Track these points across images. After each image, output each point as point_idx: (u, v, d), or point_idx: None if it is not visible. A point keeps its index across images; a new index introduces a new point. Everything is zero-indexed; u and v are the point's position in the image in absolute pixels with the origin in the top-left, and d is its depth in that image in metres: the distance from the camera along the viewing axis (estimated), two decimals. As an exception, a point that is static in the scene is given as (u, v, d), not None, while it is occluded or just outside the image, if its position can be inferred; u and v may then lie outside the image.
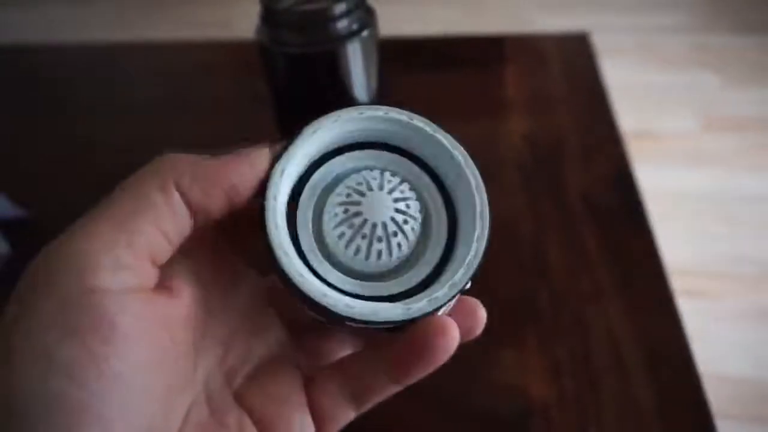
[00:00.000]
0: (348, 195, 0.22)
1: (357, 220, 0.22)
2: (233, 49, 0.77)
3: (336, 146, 0.24)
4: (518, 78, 0.66)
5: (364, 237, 0.22)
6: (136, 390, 0.17)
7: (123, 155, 0.61)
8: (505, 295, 0.45)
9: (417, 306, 0.21)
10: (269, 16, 0.41)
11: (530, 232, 0.49)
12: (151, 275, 0.19)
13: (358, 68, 0.42)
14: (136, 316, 0.18)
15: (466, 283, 0.22)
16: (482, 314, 0.22)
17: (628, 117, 1.06)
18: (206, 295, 0.22)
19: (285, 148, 0.22)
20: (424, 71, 0.69)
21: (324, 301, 0.20)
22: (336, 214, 0.22)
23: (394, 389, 0.22)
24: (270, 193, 0.21)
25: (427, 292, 0.21)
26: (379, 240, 0.22)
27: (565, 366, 0.40)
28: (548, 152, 0.57)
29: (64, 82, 0.73)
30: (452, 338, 0.20)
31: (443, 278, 0.22)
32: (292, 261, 0.21)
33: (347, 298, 0.21)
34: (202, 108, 0.66)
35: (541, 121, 0.60)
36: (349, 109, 0.23)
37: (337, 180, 0.23)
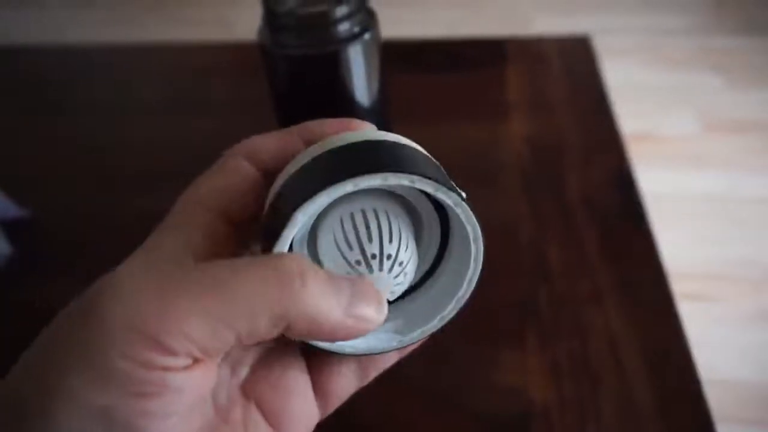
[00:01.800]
0: (350, 245, 0.21)
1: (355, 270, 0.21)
2: (235, 50, 0.77)
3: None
4: (519, 80, 0.66)
5: None
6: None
7: (123, 156, 0.62)
8: (505, 296, 0.45)
9: (411, 336, 0.22)
10: (271, 19, 0.41)
11: (531, 234, 0.49)
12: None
13: (359, 71, 0.42)
14: (197, 386, 0.18)
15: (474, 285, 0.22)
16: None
17: (629, 119, 1.06)
18: None
19: (278, 236, 0.20)
20: (425, 74, 0.69)
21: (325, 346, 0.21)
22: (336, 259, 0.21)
23: (398, 354, 0.23)
24: None
25: (419, 321, 0.23)
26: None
27: (565, 368, 0.40)
28: (549, 154, 0.57)
29: (65, 83, 0.73)
30: None
31: (433, 310, 0.23)
32: None
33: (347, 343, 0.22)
34: (203, 109, 0.67)
35: (542, 123, 0.60)
36: (343, 183, 0.20)
37: (329, 207, 0.22)
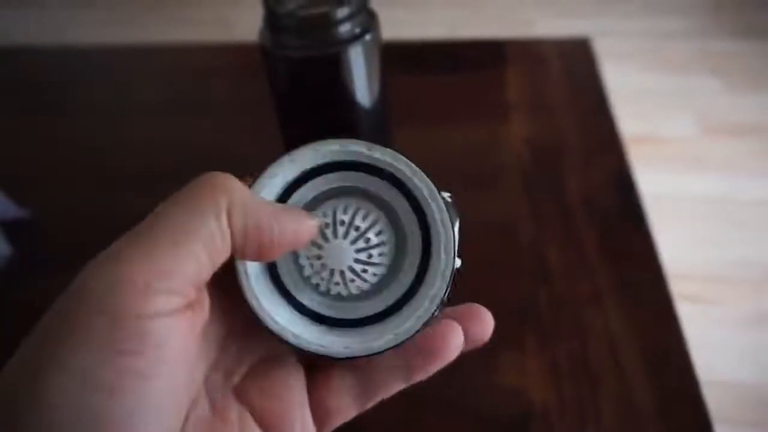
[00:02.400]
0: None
1: (317, 263, 0.23)
2: (235, 51, 0.77)
3: (314, 166, 0.23)
4: (519, 82, 0.66)
5: (323, 279, 0.23)
6: (168, 405, 0.18)
7: (123, 157, 0.62)
8: (505, 297, 0.45)
9: (405, 327, 0.22)
10: (272, 20, 0.41)
11: (530, 235, 0.49)
12: (192, 296, 0.19)
13: (360, 72, 0.42)
14: (179, 340, 0.18)
15: (446, 293, 0.22)
16: (489, 319, 0.23)
17: (629, 121, 1.06)
18: (212, 299, 0.22)
19: (262, 172, 0.22)
20: (425, 75, 0.69)
21: (318, 350, 0.22)
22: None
23: (400, 387, 0.23)
24: None
25: (409, 310, 0.23)
26: (336, 284, 0.23)
27: (565, 369, 0.40)
28: (549, 156, 0.57)
29: (65, 83, 0.74)
30: (460, 334, 0.22)
31: (422, 291, 0.23)
32: (262, 306, 0.22)
33: (338, 343, 0.22)
34: (203, 110, 0.67)
35: (542, 125, 0.60)
36: (329, 141, 0.23)
37: (315, 202, 0.23)
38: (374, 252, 0.23)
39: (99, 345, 0.16)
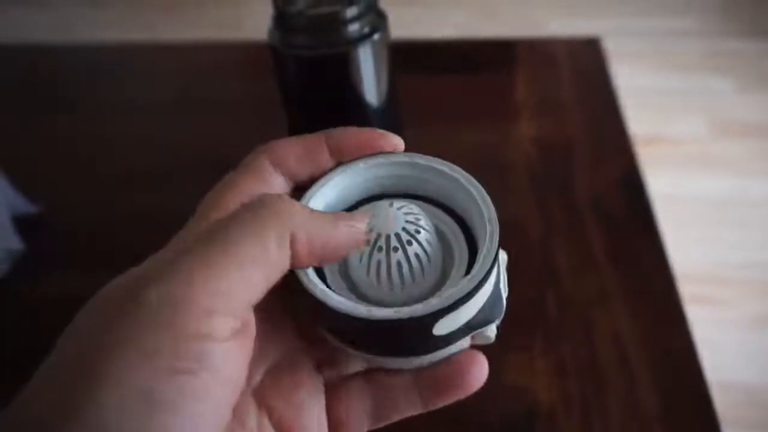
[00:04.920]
0: None
1: (371, 236, 0.22)
2: (244, 50, 0.78)
3: (355, 201, 0.24)
4: (529, 82, 0.66)
5: (380, 249, 0.22)
6: (215, 426, 0.18)
7: (135, 154, 0.62)
8: (512, 297, 0.44)
9: (434, 301, 0.21)
10: (281, 19, 0.41)
11: (539, 235, 0.49)
12: (246, 319, 0.19)
13: (369, 71, 0.42)
14: (234, 362, 0.18)
15: (471, 293, 0.21)
16: (484, 369, 0.23)
17: (638, 121, 1.06)
18: None
19: (306, 191, 0.23)
20: (434, 75, 0.69)
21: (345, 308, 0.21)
22: None
23: (417, 411, 0.23)
24: None
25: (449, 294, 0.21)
26: (395, 249, 0.22)
27: (571, 369, 0.40)
28: (558, 156, 0.57)
29: (77, 81, 0.74)
30: (483, 368, 0.22)
31: (463, 281, 0.22)
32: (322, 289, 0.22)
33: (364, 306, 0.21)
34: (213, 109, 0.67)
35: (551, 125, 0.60)
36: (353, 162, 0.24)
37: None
38: (420, 217, 0.23)
39: (158, 363, 0.16)
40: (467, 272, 0.22)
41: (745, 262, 1.23)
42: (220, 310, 0.18)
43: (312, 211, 0.21)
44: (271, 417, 0.22)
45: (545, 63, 0.69)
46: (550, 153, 0.57)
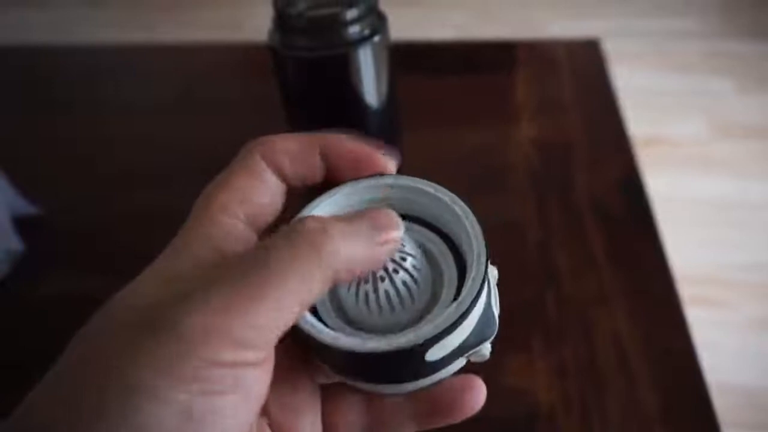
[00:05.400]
0: None
1: None
2: (244, 51, 0.78)
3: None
4: (529, 83, 0.66)
5: (366, 281, 0.22)
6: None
7: (135, 154, 0.62)
8: (512, 298, 0.45)
9: (425, 330, 0.20)
10: (281, 21, 0.41)
11: (538, 236, 0.49)
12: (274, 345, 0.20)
13: (368, 73, 0.42)
14: (260, 387, 0.19)
15: (460, 319, 0.21)
16: (482, 392, 0.23)
17: (638, 122, 1.06)
18: None
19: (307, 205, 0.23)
20: (434, 76, 0.69)
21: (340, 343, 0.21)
22: None
23: (411, 431, 0.23)
24: None
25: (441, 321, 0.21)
26: (382, 279, 0.22)
27: (571, 370, 0.40)
28: (557, 157, 0.57)
29: (77, 81, 0.74)
30: (480, 393, 0.22)
31: (452, 307, 0.21)
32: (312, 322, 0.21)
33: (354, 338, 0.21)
34: (213, 109, 0.67)
35: (550, 126, 0.60)
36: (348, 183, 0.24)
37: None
38: (405, 243, 0.23)
39: (194, 386, 0.17)
40: (458, 292, 0.22)
41: (744, 264, 1.23)
42: (256, 344, 0.18)
43: (351, 235, 0.20)
44: (270, 424, 0.22)
45: (545, 64, 0.69)
46: (550, 154, 0.57)
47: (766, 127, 1.55)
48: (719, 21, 1.95)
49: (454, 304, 0.21)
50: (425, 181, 0.24)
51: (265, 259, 0.19)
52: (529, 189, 0.53)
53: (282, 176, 0.23)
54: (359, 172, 0.23)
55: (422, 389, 0.22)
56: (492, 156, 0.57)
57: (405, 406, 0.23)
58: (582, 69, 0.68)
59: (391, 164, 0.24)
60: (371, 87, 0.43)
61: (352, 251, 0.20)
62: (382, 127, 0.46)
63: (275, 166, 0.23)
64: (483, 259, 0.22)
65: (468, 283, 0.22)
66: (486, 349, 0.23)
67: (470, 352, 0.22)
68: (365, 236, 0.21)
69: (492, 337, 0.23)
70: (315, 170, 0.23)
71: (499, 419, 0.38)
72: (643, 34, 1.91)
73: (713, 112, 1.60)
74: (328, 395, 0.24)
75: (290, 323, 0.19)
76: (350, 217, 0.21)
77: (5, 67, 0.78)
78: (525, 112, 0.62)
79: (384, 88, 0.44)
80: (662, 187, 1.33)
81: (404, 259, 0.22)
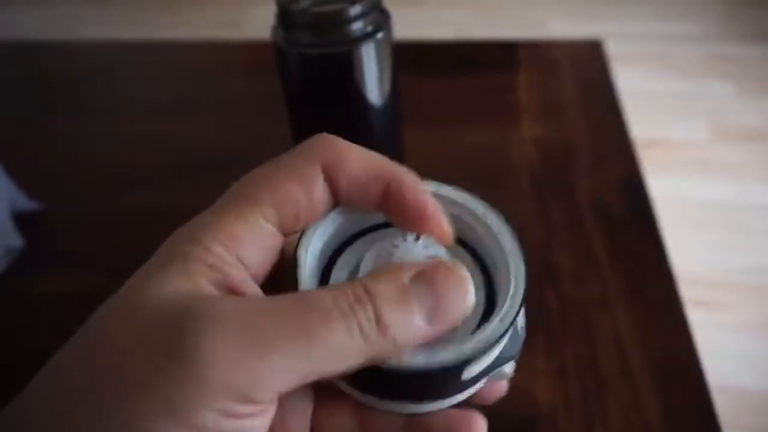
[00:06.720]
0: (378, 255, 0.21)
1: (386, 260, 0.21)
2: (247, 48, 0.78)
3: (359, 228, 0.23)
4: (530, 84, 0.66)
5: None
6: None
7: (135, 153, 0.62)
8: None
9: (444, 355, 0.19)
10: (285, 17, 0.41)
11: (539, 238, 0.49)
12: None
13: (371, 70, 0.42)
14: (268, 421, 0.19)
15: (503, 335, 0.20)
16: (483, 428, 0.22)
17: (640, 125, 1.06)
18: None
19: (305, 231, 0.21)
20: (437, 75, 0.69)
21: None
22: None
23: None
24: (298, 271, 0.20)
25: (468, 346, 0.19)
26: None
27: (572, 371, 0.40)
28: (559, 158, 0.57)
29: (79, 79, 0.74)
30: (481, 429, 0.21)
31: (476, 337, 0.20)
32: None
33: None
34: (215, 107, 0.67)
35: (552, 128, 0.60)
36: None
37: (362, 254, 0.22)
38: (440, 252, 0.21)
39: (204, 426, 0.17)
40: (488, 308, 0.21)
41: (744, 266, 1.23)
42: (266, 399, 0.18)
43: (396, 311, 0.18)
44: None
45: (547, 65, 0.69)
46: (552, 155, 0.57)
47: (766, 130, 1.55)
48: (721, 24, 1.95)
49: (497, 320, 0.20)
50: (459, 192, 0.23)
51: (307, 326, 0.17)
52: (530, 189, 0.53)
53: (334, 193, 0.21)
54: (415, 227, 0.21)
55: (441, 410, 0.21)
56: (493, 156, 0.57)
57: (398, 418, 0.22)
58: (584, 70, 0.68)
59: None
60: (374, 84, 0.43)
61: (400, 340, 0.18)
62: (384, 125, 0.46)
63: (333, 184, 0.21)
64: (522, 275, 0.21)
65: (508, 299, 0.20)
66: (510, 367, 0.22)
67: (495, 370, 0.21)
68: (415, 315, 0.18)
69: (517, 356, 0.22)
70: (370, 205, 0.21)
71: (499, 420, 0.38)
72: (645, 36, 1.91)
73: (714, 115, 1.60)
74: (321, 401, 0.23)
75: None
76: (407, 295, 0.18)
77: (5, 65, 0.78)
78: (527, 113, 0.62)
79: (387, 86, 0.44)
80: (663, 189, 1.33)
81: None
